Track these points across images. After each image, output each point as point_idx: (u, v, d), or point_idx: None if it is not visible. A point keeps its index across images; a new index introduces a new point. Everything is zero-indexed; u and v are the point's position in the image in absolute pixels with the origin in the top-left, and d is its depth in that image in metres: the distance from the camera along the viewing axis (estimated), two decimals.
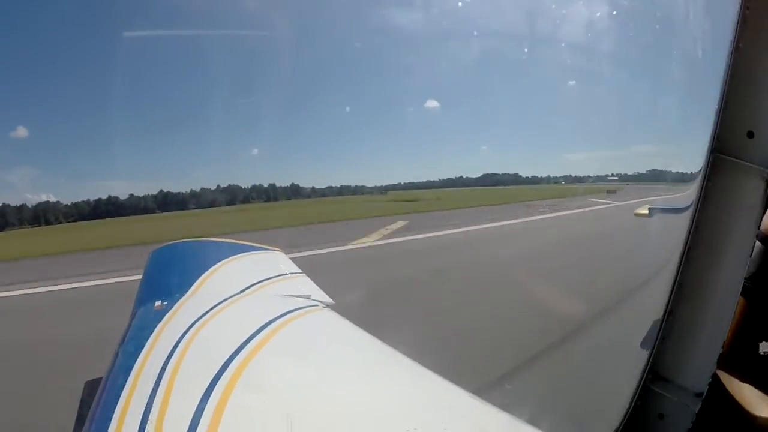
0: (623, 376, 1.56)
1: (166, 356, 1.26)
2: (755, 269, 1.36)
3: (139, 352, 1.32)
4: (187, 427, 0.94)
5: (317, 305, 1.82)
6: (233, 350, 1.27)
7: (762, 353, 1.40)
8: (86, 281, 8.69)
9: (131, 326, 1.64)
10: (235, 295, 1.87)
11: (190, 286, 1.98)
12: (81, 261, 11.76)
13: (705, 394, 1.32)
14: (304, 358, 1.39)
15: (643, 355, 1.46)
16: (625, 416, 1.47)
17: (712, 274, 1.33)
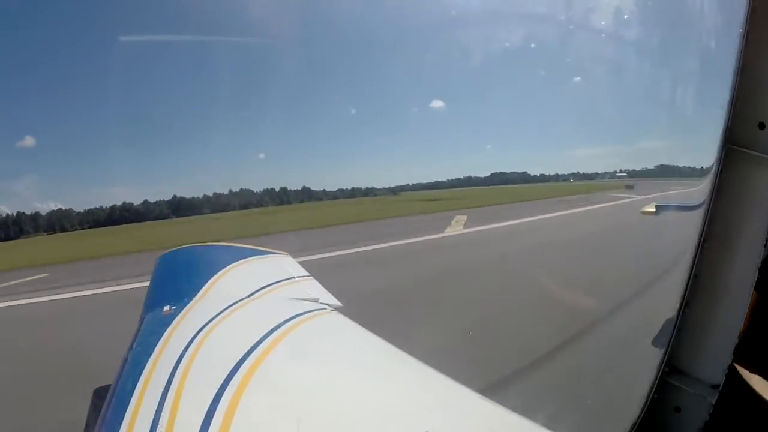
0: (640, 370, 1.57)
1: (175, 361, 1.26)
2: (763, 261, 1.33)
3: (148, 358, 1.32)
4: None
5: (325, 308, 1.81)
6: (242, 354, 1.26)
7: None
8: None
9: (140, 331, 1.64)
10: (243, 299, 1.87)
11: (198, 291, 1.98)
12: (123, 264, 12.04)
13: (720, 386, 1.32)
14: (313, 362, 1.38)
15: (660, 349, 1.46)
16: (642, 409, 1.46)
17: (727, 266, 1.33)
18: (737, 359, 1.36)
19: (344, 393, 1.18)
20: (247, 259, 2.58)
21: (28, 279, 11.92)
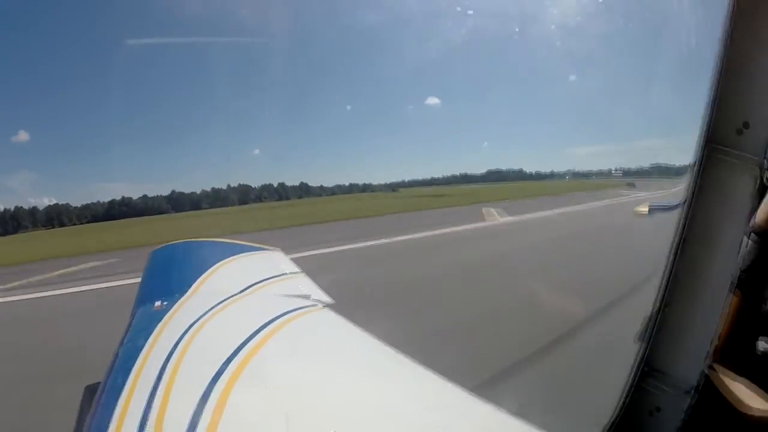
0: (618, 370, 1.58)
1: (165, 356, 1.26)
2: (750, 262, 1.36)
3: (139, 353, 1.32)
4: (186, 428, 0.94)
5: (317, 305, 1.82)
6: (232, 350, 1.27)
7: (761, 350, 1.40)
8: None
9: (131, 327, 1.64)
10: (234, 295, 1.87)
11: (190, 287, 1.98)
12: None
13: (698, 387, 1.33)
14: (303, 358, 1.39)
15: (638, 350, 1.47)
16: (620, 410, 1.47)
17: (706, 267, 1.34)
18: (718, 360, 1.37)
19: (333, 390, 1.19)
20: (239, 255, 2.58)
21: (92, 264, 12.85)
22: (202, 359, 1.27)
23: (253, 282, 2.06)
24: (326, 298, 1.97)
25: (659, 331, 1.42)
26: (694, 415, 1.34)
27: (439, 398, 1.18)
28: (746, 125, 1.26)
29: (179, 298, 1.83)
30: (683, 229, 1.37)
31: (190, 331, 1.46)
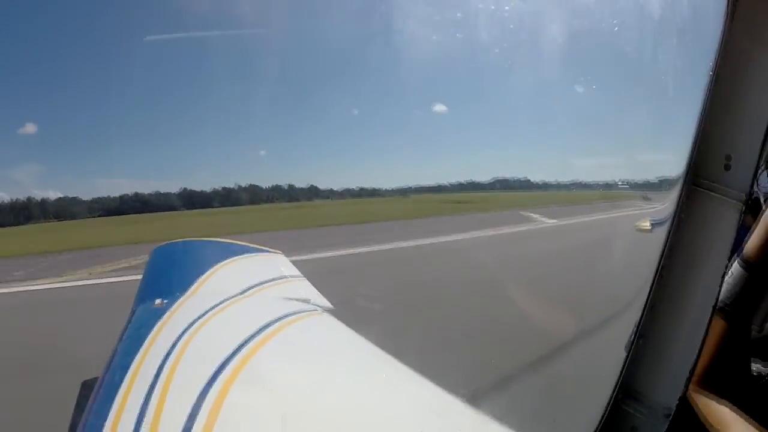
0: (594, 392, 1.57)
1: (163, 356, 1.26)
2: (737, 292, 1.37)
3: (137, 351, 1.33)
4: (182, 428, 0.94)
5: (316, 309, 1.82)
6: (230, 351, 1.27)
7: (755, 372, 1.40)
8: None
9: (130, 323, 1.65)
10: (235, 296, 1.87)
11: (191, 286, 1.98)
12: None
13: (675, 413, 1.32)
14: (301, 362, 1.39)
15: (615, 372, 1.46)
16: (598, 427, 1.46)
17: (685, 297, 1.34)
18: (700, 387, 1.38)
19: (330, 395, 1.19)
20: (241, 256, 2.59)
21: None
22: (200, 359, 1.27)
23: (254, 284, 2.06)
24: (326, 303, 1.97)
25: (637, 355, 1.42)
26: None
27: (433, 407, 1.18)
28: (729, 159, 1.26)
29: (180, 297, 1.84)
30: (662, 259, 1.36)
31: (189, 330, 1.46)
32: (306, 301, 1.94)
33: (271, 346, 1.37)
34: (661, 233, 1.40)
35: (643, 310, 1.40)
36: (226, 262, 2.40)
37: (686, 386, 1.32)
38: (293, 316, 1.66)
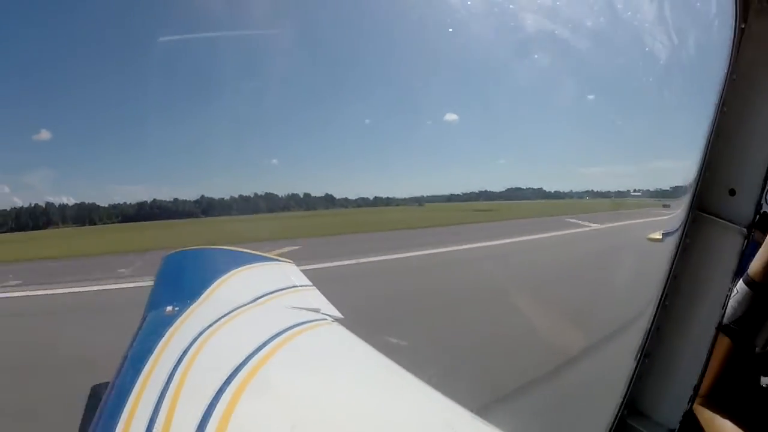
0: (600, 411, 1.59)
1: (174, 362, 1.26)
2: (741, 312, 1.38)
3: (148, 357, 1.33)
4: None
5: (326, 319, 1.81)
6: (241, 360, 1.26)
7: (764, 385, 1.40)
8: None
9: (141, 330, 1.65)
10: (245, 304, 1.87)
11: (202, 293, 1.99)
12: None
13: (679, 429, 1.35)
14: (310, 371, 1.38)
15: (620, 391, 1.49)
16: None
17: (689, 319, 1.38)
18: (705, 406, 1.39)
19: (340, 403, 1.19)
20: (251, 265, 2.60)
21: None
22: (211, 366, 1.27)
23: (265, 293, 2.07)
24: (336, 313, 1.96)
25: (642, 375, 1.45)
26: None
27: (441, 417, 1.17)
28: (732, 192, 1.30)
29: (191, 304, 1.84)
30: (666, 284, 1.41)
31: (200, 338, 1.46)
32: (316, 310, 1.93)
33: (281, 355, 1.37)
34: (667, 248, 1.43)
35: (649, 330, 1.44)
36: (236, 270, 2.41)
37: (690, 404, 1.34)
38: (303, 326, 1.65)
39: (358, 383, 1.35)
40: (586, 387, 3.76)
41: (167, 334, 1.51)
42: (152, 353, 1.36)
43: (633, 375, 1.45)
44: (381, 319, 5.89)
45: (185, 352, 1.34)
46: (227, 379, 1.15)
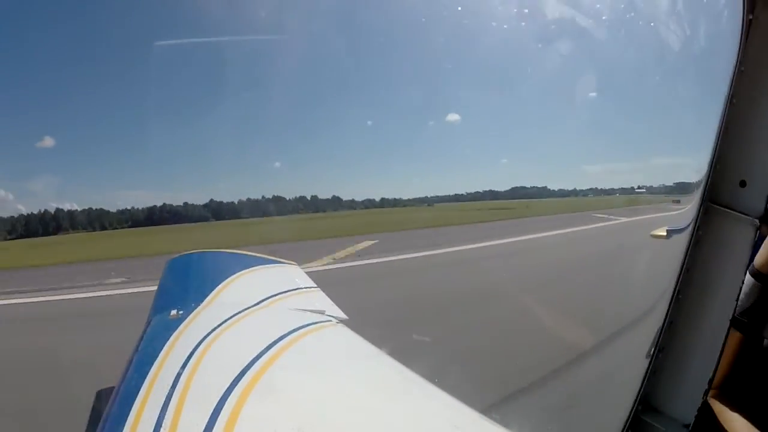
0: (614, 407, 1.60)
1: (179, 366, 1.26)
2: (749, 304, 1.38)
3: (153, 362, 1.32)
4: None
5: (331, 321, 1.80)
6: (246, 363, 1.26)
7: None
8: None
9: (146, 334, 1.65)
10: (250, 307, 1.87)
11: (206, 297, 1.98)
12: None
13: (693, 424, 1.35)
14: (317, 373, 1.37)
15: (635, 386, 1.49)
16: None
17: (702, 313, 1.38)
18: (716, 399, 1.39)
19: (346, 406, 1.17)
20: (255, 268, 2.59)
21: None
22: (216, 370, 1.26)
23: (269, 295, 2.06)
24: (341, 314, 1.95)
25: (656, 370, 1.45)
26: None
27: (450, 419, 1.15)
28: (743, 183, 1.31)
29: (195, 308, 1.84)
30: (679, 278, 1.41)
31: (204, 341, 1.45)
32: (321, 312, 1.92)
33: (287, 358, 1.36)
34: (679, 242, 1.44)
35: (663, 324, 1.44)
36: (240, 273, 2.40)
37: (705, 398, 1.34)
38: (309, 327, 1.64)
39: (364, 385, 1.34)
40: (599, 384, 3.75)
41: (172, 338, 1.50)
42: (157, 357, 1.35)
43: (647, 371, 1.45)
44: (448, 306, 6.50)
45: (190, 356, 1.33)
46: (232, 382, 1.14)
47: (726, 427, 1.34)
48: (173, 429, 0.97)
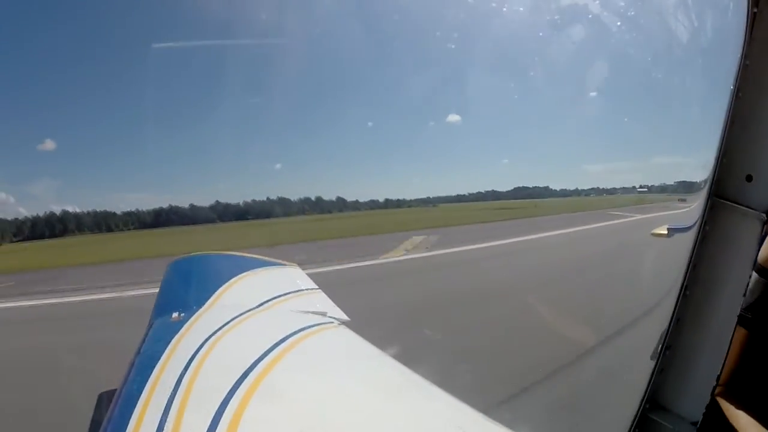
0: (622, 405, 1.59)
1: (182, 369, 1.25)
2: (754, 300, 1.38)
3: (155, 364, 1.32)
4: None
5: (333, 322, 1.80)
6: (249, 365, 1.25)
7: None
8: None
9: (148, 337, 1.65)
10: (252, 309, 1.86)
11: (208, 299, 1.98)
12: None
13: (701, 422, 1.34)
14: (318, 375, 1.36)
15: (642, 384, 1.48)
16: None
17: (709, 309, 1.37)
18: (722, 395, 1.38)
19: (348, 407, 1.17)
20: (257, 270, 2.59)
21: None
22: (218, 373, 1.26)
23: (271, 297, 2.06)
24: (343, 316, 1.95)
25: (663, 368, 1.44)
26: None
27: (452, 419, 1.15)
28: (749, 178, 1.30)
29: (197, 310, 1.84)
30: (687, 274, 1.40)
31: (206, 343, 1.45)
32: (322, 313, 1.91)
33: (289, 359, 1.35)
34: (683, 240, 1.42)
35: (670, 321, 1.43)
36: (242, 275, 2.40)
37: (712, 396, 1.34)
38: (311, 329, 1.64)
39: (366, 386, 1.33)
40: (607, 382, 3.74)
41: (174, 341, 1.50)
42: (159, 360, 1.35)
43: (654, 369, 1.45)
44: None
45: (192, 358, 1.33)
46: (235, 384, 1.14)
47: (734, 424, 1.33)
48: (176, 431, 0.96)
